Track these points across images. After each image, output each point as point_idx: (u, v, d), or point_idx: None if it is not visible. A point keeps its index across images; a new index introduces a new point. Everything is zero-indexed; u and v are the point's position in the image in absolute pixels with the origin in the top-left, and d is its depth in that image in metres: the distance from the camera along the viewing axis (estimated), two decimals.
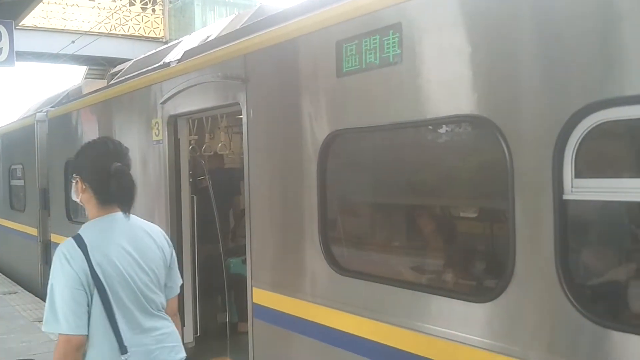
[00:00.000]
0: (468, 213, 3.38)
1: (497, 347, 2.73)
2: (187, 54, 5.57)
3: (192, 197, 5.77)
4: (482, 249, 3.42)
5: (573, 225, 2.54)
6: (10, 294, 9.83)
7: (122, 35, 23.33)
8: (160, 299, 2.80)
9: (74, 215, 7.85)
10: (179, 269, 5.48)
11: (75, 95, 9.21)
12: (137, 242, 2.74)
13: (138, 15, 23.83)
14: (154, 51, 7.63)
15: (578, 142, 2.45)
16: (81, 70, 25.93)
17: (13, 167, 11.31)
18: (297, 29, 3.97)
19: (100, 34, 21.72)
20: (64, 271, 2.53)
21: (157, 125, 5.71)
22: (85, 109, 7.78)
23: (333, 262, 3.69)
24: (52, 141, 9.02)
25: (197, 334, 5.78)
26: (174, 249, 3.01)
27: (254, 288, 4.39)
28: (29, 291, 9.86)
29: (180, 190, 5.61)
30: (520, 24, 2.70)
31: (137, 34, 23.75)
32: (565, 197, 2.48)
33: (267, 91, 4.32)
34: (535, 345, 2.60)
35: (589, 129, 2.42)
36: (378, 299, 3.38)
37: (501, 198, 2.77)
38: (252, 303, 4.40)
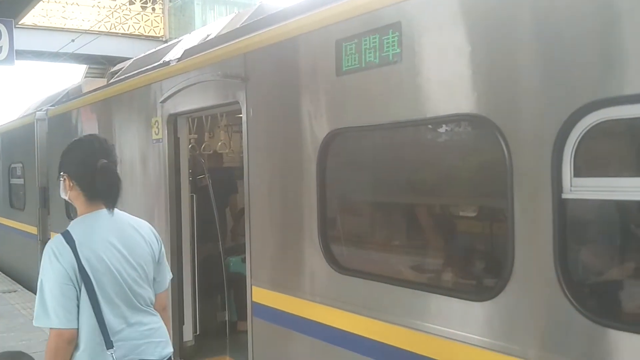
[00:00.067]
0: (467, 212, 3.38)
1: (496, 346, 2.74)
2: (187, 53, 5.57)
3: (192, 196, 5.77)
4: (481, 248, 3.42)
5: (572, 224, 2.54)
6: (10, 292, 9.84)
7: (122, 34, 23.35)
8: (148, 294, 2.84)
9: (73, 214, 7.82)
10: (179, 267, 5.56)
11: (75, 94, 9.21)
12: (126, 237, 2.78)
13: (138, 14, 23.84)
14: (153, 50, 7.63)
15: (577, 141, 2.45)
16: (81, 69, 25.96)
17: (13, 165, 11.31)
18: (297, 28, 3.98)
19: (100, 33, 21.72)
20: (53, 267, 2.59)
21: (156, 123, 5.71)
22: (85, 108, 7.78)
23: (332, 260, 3.69)
24: (52, 140, 9.02)
25: (196, 332, 5.79)
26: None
27: (253, 287, 4.39)
28: (29, 290, 9.87)
29: (180, 189, 5.61)
30: (520, 24, 2.70)
31: (137, 32, 23.77)
32: (564, 196, 2.48)
33: (266, 90, 4.32)
34: (534, 343, 2.60)
35: (588, 128, 2.43)
36: (377, 297, 3.38)
37: (500, 197, 2.77)
38: (252, 302, 4.40)
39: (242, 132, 4.58)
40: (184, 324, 5.64)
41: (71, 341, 2.58)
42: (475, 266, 3.34)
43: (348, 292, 3.58)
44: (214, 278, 6.25)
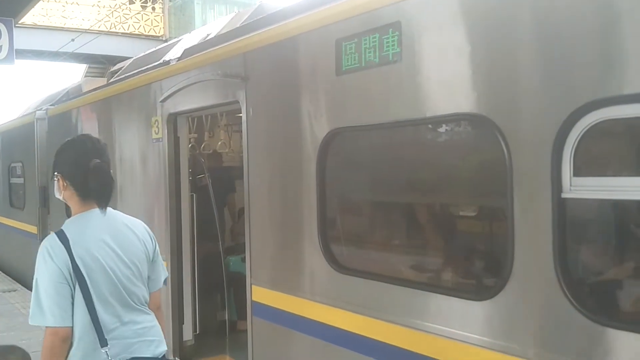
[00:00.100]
0: (467, 211, 3.39)
1: (495, 345, 2.74)
2: (187, 52, 5.57)
3: (192, 195, 5.77)
4: (480, 247, 3.42)
5: (571, 224, 2.54)
6: (10, 291, 9.84)
7: (122, 33, 23.34)
8: (142, 292, 2.85)
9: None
10: (179, 267, 5.56)
11: (75, 93, 9.21)
12: (119, 236, 2.80)
13: (138, 13, 23.84)
14: (153, 49, 7.63)
15: (577, 141, 2.45)
16: (81, 68, 25.95)
17: (13, 165, 11.31)
18: (297, 27, 3.98)
19: (100, 32, 21.71)
20: (47, 266, 2.61)
21: (156, 123, 5.71)
22: (85, 107, 7.78)
23: (332, 260, 3.69)
24: (52, 139, 9.02)
25: (196, 331, 5.79)
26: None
27: (253, 286, 4.39)
28: (29, 289, 9.86)
29: (180, 189, 5.61)
30: (520, 23, 2.71)
31: (137, 32, 23.76)
32: (563, 195, 2.49)
33: (266, 89, 4.32)
34: (534, 342, 2.60)
35: (587, 128, 2.43)
36: (377, 296, 3.38)
37: (500, 196, 2.78)
38: (252, 301, 4.40)
39: (242, 131, 4.58)
40: (183, 323, 5.65)
41: (66, 339, 2.61)
42: (475, 265, 3.34)
43: (348, 292, 3.58)
44: (213, 277, 6.26)
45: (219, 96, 4.87)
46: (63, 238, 2.66)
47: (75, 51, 20.99)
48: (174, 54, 6.10)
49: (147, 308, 2.88)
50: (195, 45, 5.71)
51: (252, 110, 4.39)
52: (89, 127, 7.62)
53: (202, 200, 6.10)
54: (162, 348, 2.90)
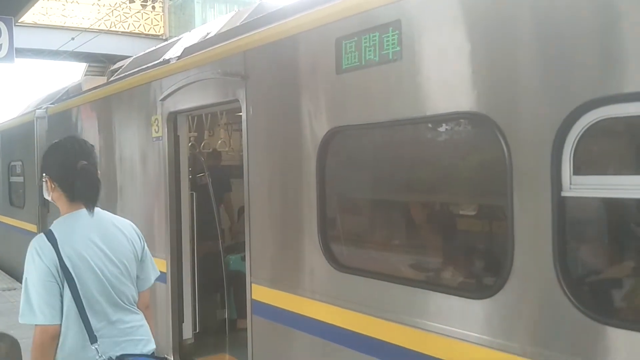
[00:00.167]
0: (467, 210, 3.39)
1: (495, 344, 2.74)
2: (187, 51, 5.57)
3: (192, 194, 5.77)
4: (480, 246, 3.43)
5: (571, 222, 2.54)
6: (9, 290, 9.84)
7: (122, 32, 23.31)
8: (131, 291, 2.89)
9: None
10: (179, 265, 5.56)
11: (74, 92, 9.21)
12: (107, 235, 2.84)
13: (138, 12, 23.80)
14: (153, 48, 7.63)
15: (576, 139, 2.46)
16: (81, 67, 25.91)
17: (12, 163, 11.30)
18: (297, 26, 3.98)
19: (100, 31, 21.68)
20: (36, 265, 2.65)
21: (156, 121, 5.71)
22: (85, 106, 7.78)
23: (332, 258, 3.70)
24: (52, 138, 8.98)
25: (196, 330, 5.80)
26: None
27: (252, 284, 4.40)
28: None
29: (180, 187, 5.62)
30: (519, 22, 2.71)
31: (137, 31, 23.73)
32: (563, 193, 2.49)
33: (266, 88, 4.32)
34: (533, 341, 2.61)
35: (587, 126, 2.43)
36: (377, 295, 3.38)
37: (500, 194, 2.78)
38: (251, 299, 4.41)
39: (241, 130, 4.58)
40: (183, 321, 5.65)
41: (55, 337, 2.65)
42: (475, 264, 3.34)
43: (347, 290, 3.58)
44: (213, 276, 6.26)
45: (218, 95, 4.87)
46: (51, 238, 2.70)
47: (75, 50, 20.96)
48: (174, 52, 6.10)
49: (135, 307, 2.92)
50: (195, 43, 5.71)
51: (252, 108, 4.39)
52: (89, 125, 7.62)
53: (201, 199, 6.11)
54: (151, 346, 2.93)
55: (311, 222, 3.81)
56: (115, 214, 3.04)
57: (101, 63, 23.82)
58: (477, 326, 2.84)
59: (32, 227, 9.94)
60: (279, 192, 4.22)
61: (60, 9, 22.53)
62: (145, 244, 3.05)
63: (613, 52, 2.37)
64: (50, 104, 9.55)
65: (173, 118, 5.57)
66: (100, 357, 2.64)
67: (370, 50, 3.34)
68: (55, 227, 2.79)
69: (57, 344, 2.67)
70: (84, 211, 2.82)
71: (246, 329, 4.54)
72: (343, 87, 3.59)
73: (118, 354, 2.73)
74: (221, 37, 5.13)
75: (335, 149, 3.76)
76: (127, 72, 7.19)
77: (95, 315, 2.71)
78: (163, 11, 24.38)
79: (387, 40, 3.24)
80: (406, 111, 3.21)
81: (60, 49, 20.92)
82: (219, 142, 7.35)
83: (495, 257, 3.05)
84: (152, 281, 3.07)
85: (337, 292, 3.66)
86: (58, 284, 2.65)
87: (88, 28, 21.29)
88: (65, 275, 2.65)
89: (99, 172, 2.93)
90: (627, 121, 2.41)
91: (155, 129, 5.75)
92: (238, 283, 5.69)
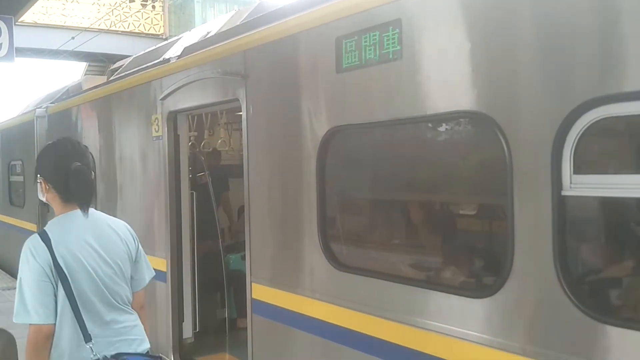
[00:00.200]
0: (467, 209, 3.39)
1: (495, 343, 2.74)
2: (187, 50, 5.57)
3: (192, 193, 5.77)
4: (480, 245, 3.43)
5: (571, 221, 2.54)
6: (9, 289, 9.83)
7: (122, 31, 23.31)
8: (125, 291, 2.91)
9: None
10: (179, 265, 5.56)
11: (74, 91, 9.21)
12: (101, 236, 2.86)
13: (138, 11, 23.80)
14: (153, 47, 7.63)
15: (577, 139, 2.45)
16: (81, 66, 25.93)
17: (12, 163, 11.30)
18: (297, 25, 3.98)
19: (100, 31, 21.70)
20: (30, 265, 2.69)
21: (156, 121, 5.71)
22: (85, 105, 7.78)
23: (332, 257, 3.69)
24: (52, 137, 9.00)
25: (196, 329, 5.80)
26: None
27: (253, 284, 4.40)
28: None
29: (180, 187, 5.62)
30: (520, 21, 2.70)
31: (137, 30, 23.73)
32: (563, 193, 2.48)
33: (266, 87, 4.32)
34: (533, 340, 2.61)
35: (587, 125, 2.43)
36: (377, 294, 3.38)
37: (500, 194, 2.77)
38: (251, 299, 4.41)
39: (241, 129, 4.58)
40: (183, 321, 5.65)
41: (49, 336, 2.67)
42: (475, 263, 3.34)
43: (347, 290, 3.58)
44: (213, 275, 6.26)
45: (219, 94, 4.87)
46: (45, 238, 2.73)
47: (75, 49, 20.97)
48: (174, 52, 6.10)
49: (129, 307, 2.94)
50: (195, 43, 5.71)
51: (252, 108, 4.39)
52: (89, 125, 7.62)
53: (201, 198, 6.11)
54: (145, 346, 2.95)
55: (311, 221, 3.81)
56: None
57: (101, 62, 23.82)
58: (477, 325, 2.84)
59: (32, 227, 9.93)
60: (279, 191, 4.22)
61: (60, 9, 22.53)
62: (140, 245, 3.07)
63: (613, 51, 2.37)
64: (50, 103, 9.55)
65: (173, 117, 5.57)
66: (94, 356, 2.66)
67: (370, 50, 3.34)
68: (50, 227, 2.82)
69: (52, 344, 2.69)
70: (78, 212, 2.85)
71: (246, 328, 4.54)
72: (343, 86, 3.58)
73: (112, 353, 2.75)
74: (221, 36, 5.13)
75: (336, 148, 3.76)
76: (127, 71, 7.19)
77: (89, 315, 2.73)
78: (163, 10, 24.39)
79: (388, 39, 3.23)
80: (406, 110, 3.20)
81: (60, 48, 20.92)
82: (219, 141, 7.35)
83: (496, 256, 3.05)
84: (147, 281, 3.09)
85: (337, 291, 3.66)
86: (52, 283, 2.67)
87: (88, 27, 21.30)
88: (59, 275, 2.67)
89: (93, 173, 2.96)
90: (628, 120, 2.41)
91: (155, 128, 5.75)
92: (238, 282, 5.68)
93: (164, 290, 5.59)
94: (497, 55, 2.78)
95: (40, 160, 2.97)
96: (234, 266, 6.43)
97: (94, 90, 7.73)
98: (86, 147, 3.02)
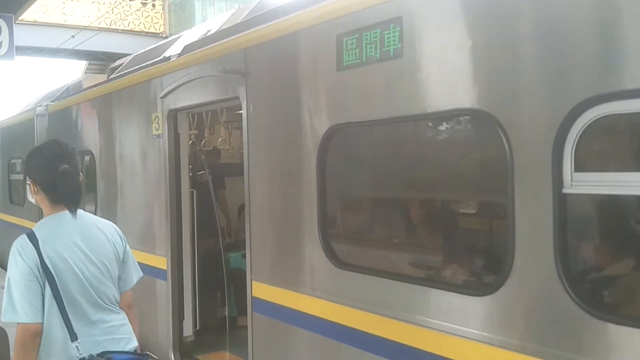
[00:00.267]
0: (467, 207, 3.39)
1: (495, 340, 2.74)
2: (187, 48, 5.57)
3: (192, 192, 5.77)
4: (481, 243, 3.42)
5: (572, 219, 2.54)
6: None
7: (122, 30, 23.33)
8: (112, 292, 2.95)
9: None
10: (179, 263, 5.56)
11: (75, 89, 9.20)
12: (89, 237, 2.90)
13: (138, 10, 23.81)
14: (154, 45, 7.62)
15: (578, 136, 2.45)
16: (81, 64, 25.93)
17: (12, 161, 11.30)
18: (298, 23, 3.97)
19: (100, 29, 21.72)
20: (18, 265, 2.73)
21: (157, 119, 5.71)
22: (85, 104, 7.77)
23: (332, 255, 3.69)
24: (52, 135, 9.00)
25: (196, 327, 5.80)
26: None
27: (253, 282, 4.40)
28: None
29: (180, 185, 5.62)
30: (520, 18, 2.70)
31: (137, 29, 23.75)
32: (564, 190, 2.48)
33: (267, 85, 4.31)
34: (534, 338, 2.60)
35: (588, 123, 2.42)
36: (377, 292, 3.38)
37: (501, 191, 2.77)
38: (252, 297, 4.41)
39: (242, 127, 4.58)
40: (183, 319, 5.65)
41: (37, 335, 2.71)
42: (476, 261, 3.34)
43: (348, 287, 3.58)
44: (213, 274, 6.26)
45: (219, 92, 4.87)
46: (33, 238, 2.78)
47: (76, 48, 20.98)
48: (174, 50, 6.10)
49: (117, 307, 2.98)
50: (195, 41, 5.71)
51: (253, 106, 4.39)
52: (89, 123, 7.62)
53: (201, 196, 6.11)
54: (132, 344, 2.98)
55: (311, 220, 3.81)
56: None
57: (101, 61, 23.83)
58: (477, 323, 2.84)
59: (32, 225, 9.92)
60: (279, 189, 4.22)
61: (60, 7, 22.54)
62: (128, 246, 3.11)
63: (614, 48, 2.36)
64: (51, 101, 9.55)
65: (173, 116, 5.57)
66: (80, 354, 2.70)
67: (371, 47, 3.34)
68: (38, 228, 2.87)
69: (39, 342, 2.73)
70: (66, 213, 2.88)
71: (246, 326, 4.55)
72: (344, 84, 3.58)
73: (99, 351, 2.79)
74: (221, 34, 5.12)
75: (336, 146, 3.75)
76: (127, 69, 7.18)
77: (76, 315, 2.77)
78: (163, 9, 24.40)
79: (388, 37, 3.23)
80: (407, 108, 3.20)
81: (60, 46, 20.93)
82: (219, 139, 7.35)
83: (496, 254, 3.05)
84: (135, 282, 3.13)
85: (337, 289, 3.66)
86: (39, 283, 2.71)
87: (88, 26, 21.30)
88: (46, 275, 2.71)
89: (81, 175, 3.00)
90: (629, 118, 2.40)
91: (155, 127, 5.74)
92: (238, 280, 5.69)
93: (165, 289, 5.59)
94: (498, 53, 2.78)
95: (29, 162, 3.02)
96: (234, 264, 6.43)
97: (94, 88, 7.73)
98: (74, 149, 3.06)
